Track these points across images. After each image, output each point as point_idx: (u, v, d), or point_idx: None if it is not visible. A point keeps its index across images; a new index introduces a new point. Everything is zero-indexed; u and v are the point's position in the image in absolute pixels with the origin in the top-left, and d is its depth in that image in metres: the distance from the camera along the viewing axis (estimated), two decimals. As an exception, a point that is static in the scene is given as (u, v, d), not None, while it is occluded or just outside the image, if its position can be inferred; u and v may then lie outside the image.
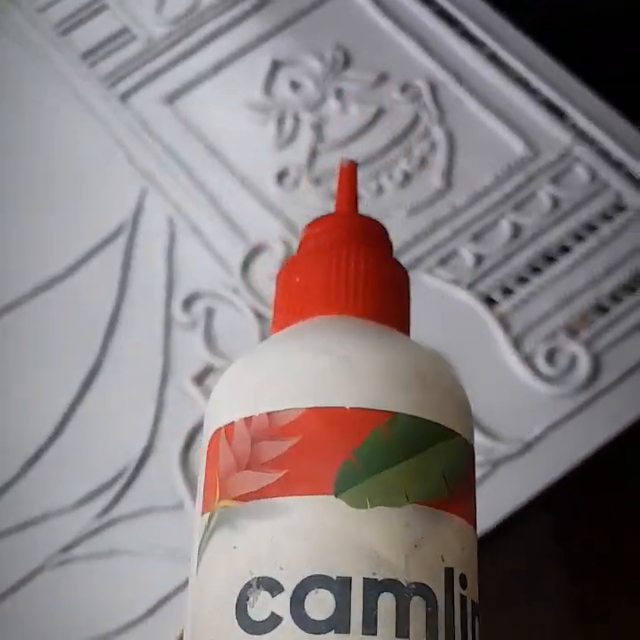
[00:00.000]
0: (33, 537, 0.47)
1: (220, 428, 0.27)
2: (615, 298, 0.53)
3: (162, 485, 0.48)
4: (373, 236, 0.31)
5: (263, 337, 0.52)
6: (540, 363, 0.51)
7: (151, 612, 0.46)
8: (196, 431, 0.50)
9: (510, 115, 0.58)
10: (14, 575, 0.47)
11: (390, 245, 0.32)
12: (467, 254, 0.53)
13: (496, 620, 0.31)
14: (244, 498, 0.26)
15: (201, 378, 0.51)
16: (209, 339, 0.52)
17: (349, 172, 0.33)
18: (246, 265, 0.53)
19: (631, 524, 0.51)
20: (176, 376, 0.51)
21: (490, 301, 0.52)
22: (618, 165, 0.56)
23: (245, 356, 0.29)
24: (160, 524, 0.48)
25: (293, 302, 0.30)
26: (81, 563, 0.47)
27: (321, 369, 0.27)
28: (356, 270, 0.30)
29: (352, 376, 0.26)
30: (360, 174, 0.55)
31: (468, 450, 0.28)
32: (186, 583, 0.46)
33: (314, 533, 0.25)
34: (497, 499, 0.48)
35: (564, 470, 0.48)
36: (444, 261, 0.53)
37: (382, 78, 0.59)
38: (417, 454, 0.26)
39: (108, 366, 0.52)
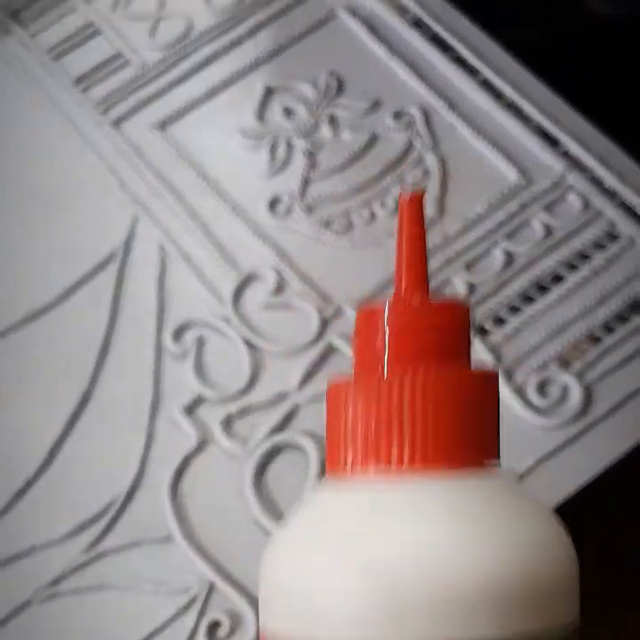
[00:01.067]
0: (20, 571, 0.47)
1: (263, 631, 0.24)
2: (608, 328, 0.52)
3: (151, 518, 0.48)
4: (449, 340, 0.24)
5: (254, 368, 0.51)
6: (532, 394, 0.50)
7: (139, 646, 0.46)
8: (185, 463, 0.49)
9: (503, 142, 0.57)
10: (1, 610, 0.46)
11: (470, 339, 0.26)
12: (459, 284, 0.53)
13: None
14: None
15: (191, 408, 0.51)
16: (199, 369, 0.52)
17: (415, 214, 0.25)
18: (238, 294, 0.53)
19: (624, 555, 0.51)
20: (166, 406, 0.51)
21: (482, 331, 0.52)
22: (611, 194, 0.56)
23: (285, 537, 0.25)
24: (149, 557, 0.47)
25: (343, 441, 0.25)
26: (69, 597, 0.47)
27: (354, 595, 0.21)
28: (415, 410, 0.24)
29: (395, 608, 0.21)
30: (353, 202, 0.56)
31: (566, 633, 0.23)
32: (174, 617, 0.46)
33: None
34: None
35: (556, 502, 0.48)
36: (436, 291, 0.53)
37: (375, 105, 0.59)
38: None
39: (98, 396, 0.51)
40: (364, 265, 0.54)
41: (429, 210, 0.56)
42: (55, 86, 0.61)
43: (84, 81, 0.61)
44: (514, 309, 0.53)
